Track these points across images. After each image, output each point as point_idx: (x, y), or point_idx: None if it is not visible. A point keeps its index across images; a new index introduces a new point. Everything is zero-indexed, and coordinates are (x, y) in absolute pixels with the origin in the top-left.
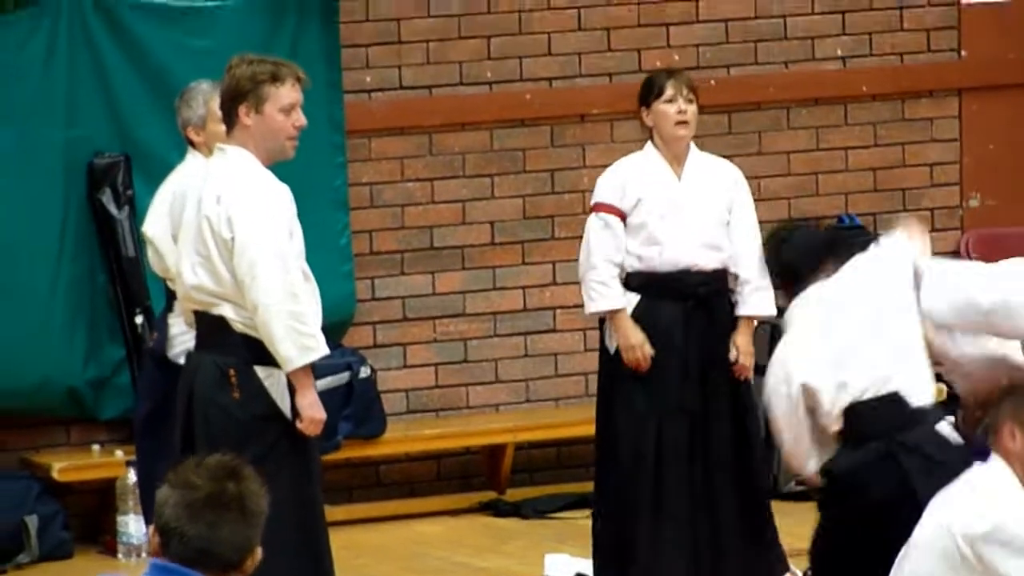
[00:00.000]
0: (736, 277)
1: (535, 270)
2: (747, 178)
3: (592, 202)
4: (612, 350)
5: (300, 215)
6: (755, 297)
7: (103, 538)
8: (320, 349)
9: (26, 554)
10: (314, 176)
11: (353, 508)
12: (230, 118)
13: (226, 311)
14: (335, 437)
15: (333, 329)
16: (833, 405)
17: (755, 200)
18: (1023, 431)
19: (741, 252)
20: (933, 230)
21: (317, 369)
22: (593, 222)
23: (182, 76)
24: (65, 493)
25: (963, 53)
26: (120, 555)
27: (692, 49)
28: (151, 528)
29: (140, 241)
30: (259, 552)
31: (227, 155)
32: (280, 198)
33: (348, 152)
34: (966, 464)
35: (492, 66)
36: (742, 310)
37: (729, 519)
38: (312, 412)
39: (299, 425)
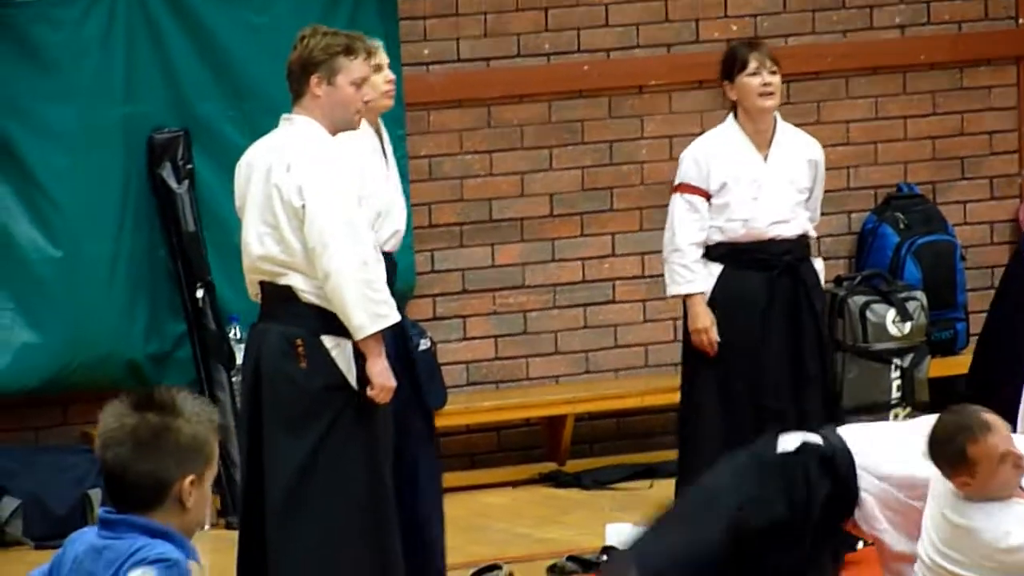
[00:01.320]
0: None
1: (594, 242)
2: None
3: (676, 181)
4: None
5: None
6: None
7: None
8: (392, 316)
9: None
10: None
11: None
12: (300, 87)
13: (294, 281)
14: None
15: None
16: None
17: None
18: None
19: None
20: (992, 198)
21: None
22: (678, 203)
23: (240, 51)
24: None
25: (1021, 21)
26: None
27: (750, 19)
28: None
29: (200, 215)
30: (187, 483)
31: (294, 124)
32: (350, 166)
33: (407, 125)
34: None
35: (550, 38)
36: None
37: None
38: (383, 380)
39: (370, 393)
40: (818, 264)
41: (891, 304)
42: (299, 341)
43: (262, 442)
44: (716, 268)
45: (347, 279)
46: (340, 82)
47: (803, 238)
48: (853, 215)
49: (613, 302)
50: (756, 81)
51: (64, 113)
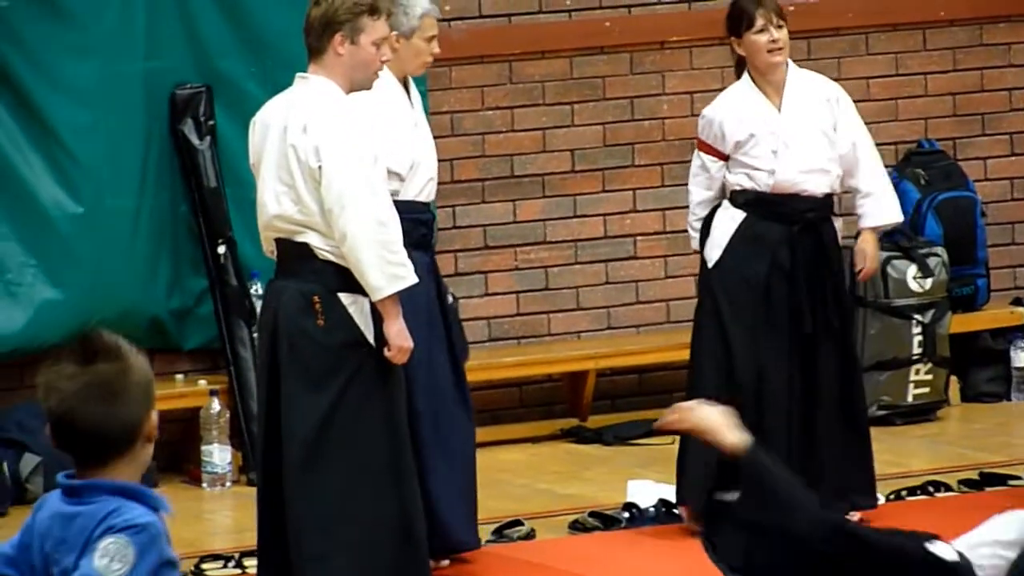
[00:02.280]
0: (854, 189)
1: (615, 197)
2: None
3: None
4: (711, 263)
5: None
6: (879, 206)
7: (187, 467)
8: (409, 278)
9: None
10: None
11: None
12: (321, 44)
13: (311, 239)
14: None
15: None
16: None
17: None
18: None
19: (856, 165)
20: (1012, 154)
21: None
22: (694, 160)
23: (263, 7)
24: None
25: None
26: (205, 484)
27: None
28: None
29: (222, 171)
30: (153, 418)
31: (310, 83)
32: (367, 127)
33: (428, 81)
34: None
35: None
36: (867, 222)
37: (828, 443)
38: (400, 340)
39: (387, 353)
40: (838, 224)
41: (912, 260)
42: (316, 298)
43: (280, 398)
44: (739, 215)
45: (364, 240)
46: (363, 41)
47: (830, 197)
48: None
49: (634, 258)
50: (764, 38)
51: (85, 69)
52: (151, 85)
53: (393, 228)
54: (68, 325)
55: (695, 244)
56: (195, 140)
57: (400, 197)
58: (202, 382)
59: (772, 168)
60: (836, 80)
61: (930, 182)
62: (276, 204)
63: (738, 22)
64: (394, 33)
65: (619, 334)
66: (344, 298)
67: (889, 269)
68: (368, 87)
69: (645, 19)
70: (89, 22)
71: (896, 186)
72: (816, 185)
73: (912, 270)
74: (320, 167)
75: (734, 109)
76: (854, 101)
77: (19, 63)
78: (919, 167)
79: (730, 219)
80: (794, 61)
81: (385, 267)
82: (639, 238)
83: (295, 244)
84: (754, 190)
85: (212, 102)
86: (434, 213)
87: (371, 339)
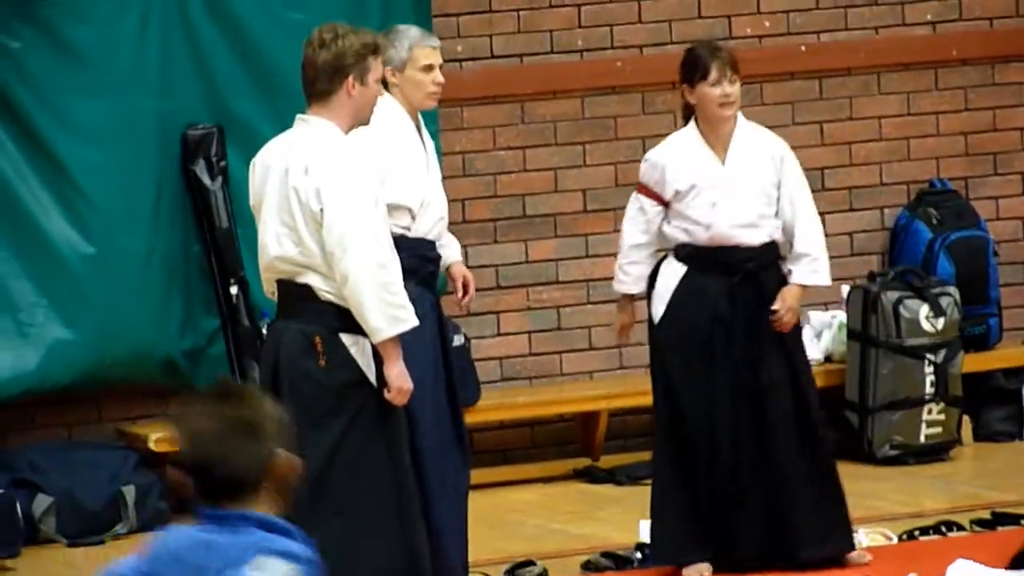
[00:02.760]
0: (790, 248)
1: None
2: (839, 144)
3: (639, 180)
4: (657, 318)
5: None
6: (811, 268)
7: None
8: (410, 320)
9: (123, 524)
10: None
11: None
12: (330, 87)
13: (312, 280)
14: None
15: None
16: None
17: (848, 166)
18: None
19: (796, 225)
20: None
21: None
22: (632, 204)
23: (275, 47)
24: (162, 463)
25: None
26: None
27: (782, 15)
28: (171, 468)
29: (234, 212)
30: (283, 457)
31: (311, 125)
32: (368, 168)
33: (440, 121)
34: None
35: (583, 34)
36: (796, 278)
37: (793, 491)
38: (400, 382)
39: (387, 395)
40: (821, 270)
41: (924, 300)
42: (318, 338)
43: None
44: (681, 268)
45: (365, 283)
46: (370, 81)
47: (770, 245)
48: (886, 211)
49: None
50: (716, 91)
51: (98, 108)
52: (163, 125)
53: (393, 270)
54: (80, 365)
55: (621, 288)
56: (207, 180)
57: (410, 234)
58: None
59: (709, 222)
60: (848, 120)
61: (942, 222)
62: (277, 245)
63: (692, 71)
64: (388, 68)
65: (631, 374)
66: (346, 339)
67: (901, 309)
68: (367, 124)
69: (656, 59)
70: (102, 62)
71: (908, 226)
72: (752, 237)
73: (924, 310)
74: (321, 209)
75: (678, 157)
76: (866, 141)
77: (32, 103)
78: (931, 207)
79: (672, 273)
80: (807, 101)
81: (385, 309)
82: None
83: (296, 285)
84: (693, 244)
85: (224, 142)
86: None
87: (372, 379)
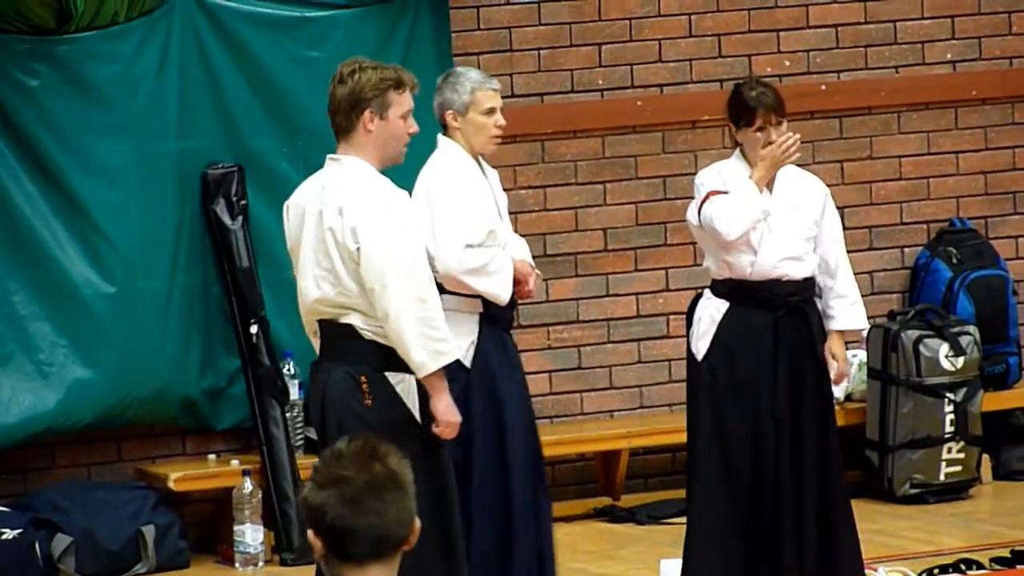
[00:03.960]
0: (827, 288)
1: (648, 276)
2: (859, 183)
3: (704, 191)
4: (700, 356)
5: None
6: (850, 311)
7: (220, 548)
8: (452, 353)
9: (143, 564)
10: None
11: None
12: (349, 123)
13: (354, 320)
14: None
15: None
16: None
17: (868, 204)
18: None
19: (834, 265)
20: None
21: None
22: (714, 200)
23: (294, 86)
24: (181, 503)
25: None
26: (237, 564)
27: (803, 54)
28: (309, 534)
29: (254, 251)
30: (418, 521)
31: (343, 164)
32: (402, 203)
33: None
34: None
35: (603, 73)
36: (836, 324)
37: (812, 528)
38: (447, 416)
39: (435, 429)
40: (858, 312)
41: (944, 338)
42: (363, 378)
43: None
44: (723, 305)
45: (406, 318)
46: (391, 116)
47: (810, 281)
48: (906, 250)
49: (667, 337)
50: (762, 137)
51: (117, 148)
52: (183, 165)
53: (433, 304)
54: (100, 405)
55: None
56: (227, 220)
57: None
58: (235, 462)
59: (756, 250)
60: (868, 159)
61: (962, 261)
62: (316, 288)
63: (738, 115)
64: (449, 111)
65: (652, 413)
66: (392, 377)
67: (921, 347)
68: (399, 160)
69: (677, 98)
70: (121, 102)
71: (928, 264)
72: (796, 271)
73: (944, 349)
74: (358, 248)
75: (731, 177)
76: (886, 180)
77: (51, 143)
78: (951, 246)
79: (715, 309)
80: (827, 140)
81: (427, 344)
82: (671, 317)
83: (339, 325)
84: (736, 279)
85: (244, 182)
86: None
87: (418, 417)
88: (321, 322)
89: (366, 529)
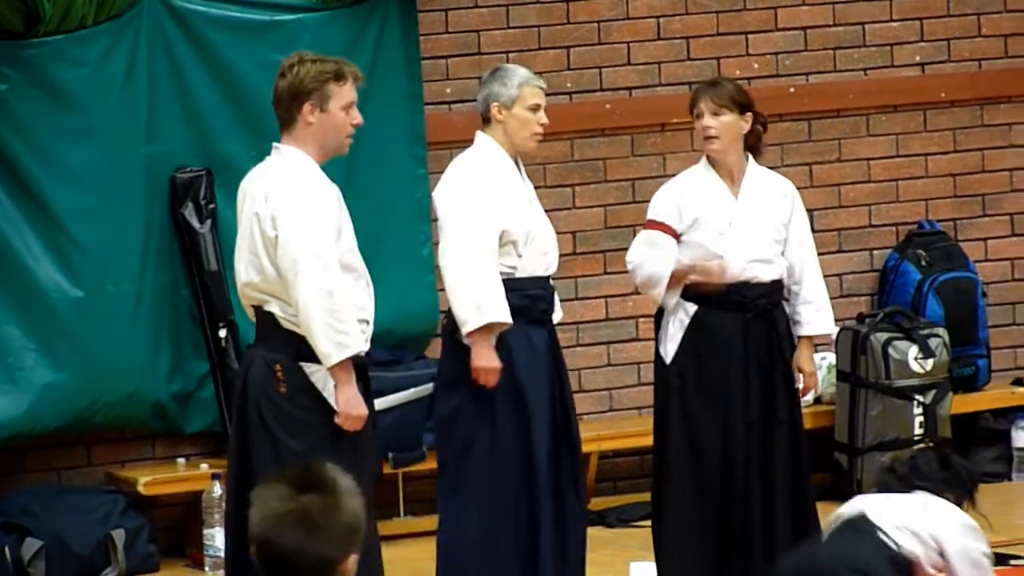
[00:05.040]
0: (794, 293)
1: (617, 279)
2: (828, 185)
3: (647, 217)
4: (668, 359)
5: (382, 226)
6: (817, 317)
7: (189, 551)
8: (354, 346)
9: (113, 568)
10: (396, 188)
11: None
12: (290, 115)
13: (274, 308)
14: (420, 448)
15: (416, 340)
16: None
17: (837, 207)
18: None
19: (800, 270)
20: (1013, 235)
21: (399, 381)
22: (640, 238)
23: (263, 90)
24: (151, 507)
25: None
26: (207, 568)
27: (771, 57)
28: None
29: (223, 255)
30: (351, 561)
31: (282, 155)
32: (325, 197)
33: (429, 164)
34: None
35: (572, 76)
36: (803, 330)
37: (784, 529)
38: (348, 408)
39: (337, 420)
40: (826, 318)
41: (913, 341)
42: (278, 366)
43: (251, 465)
44: (691, 307)
45: (314, 308)
46: (332, 108)
47: (778, 283)
48: (875, 252)
49: (636, 339)
50: (698, 125)
51: (86, 152)
52: (152, 169)
53: (341, 298)
54: (69, 409)
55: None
56: (196, 223)
57: (517, 274)
58: (204, 466)
59: (719, 254)
60: (837, 161)
61: (931, 263)
62: (245, 272)
63: (690, 107)
64: (495, 104)
65: (621, 416)
66: (307, 367)
67: (890, 350)
68: (343, 151)
69: (646, 101)
70: (90, 106)
71: (897, 267)
72: (764, 272)
73: (913, 351)
74: (276, 236)
75: (691, 188)
76: (855, 182)
77: (19, 147)
78: (920, 248)
79: (683, 312)
80: (796, 142)
81: (332, 335)
82: (640, 320)
83: (264, 312)
84: (701, 282)
85: (213, 185)
86: (553, 288)
87: (335, 406)
88: (253, 308)
89: (278, 555)
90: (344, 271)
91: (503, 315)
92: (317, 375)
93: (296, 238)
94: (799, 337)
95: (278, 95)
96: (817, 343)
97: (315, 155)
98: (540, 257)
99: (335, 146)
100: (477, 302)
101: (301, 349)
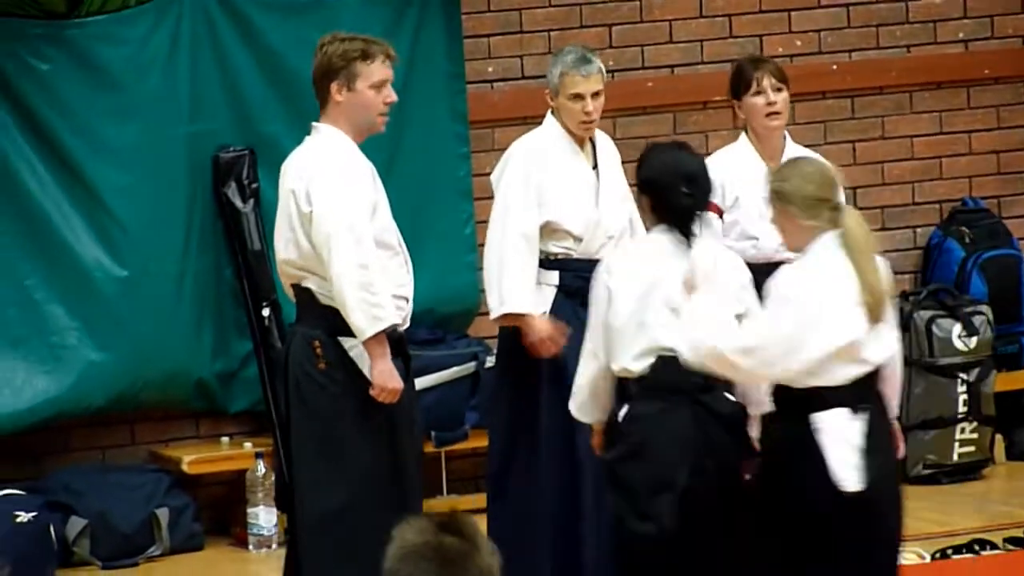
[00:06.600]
0: None
1: None
2: (871, 163)
3: None
4: None
5: (424, 205)
6: None
7: (234, 530)
8: (387, 319)
9: (157, 546)
10: (438, 167)
11: (480, 497)
12: (323, 95)
13: (311, 284)
14: (462, 427)
15: (458, 319)
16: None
17: (880, 185)
18: None
19: None
20: None
21: (441, 360)
22: None
23: (305, 69)
24: (195, 486)
25: None
26: (251, 547)
27: (814, 34)
28: None
29: (266, 234)
30: None
31: (319, 133)
32: (359, 173)
33: (471, 142)
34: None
35: (614, 54)
36: None
37: None
38: (383, 380)
39: (372, 393)
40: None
41: (957, 318)
42: (317, 343)
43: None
44: None
45: (347, 283)
46: (360, 87)
47: None
48: (918, 230)
49: None
50: (761, 101)
51: (128, 131)
52: (194, 148)
53: (374, 272)
54: (113, 388)
55: None
56: (239, 203)
57: (575, 255)
58: (247, 444)
59: (756, 235)
60: (880, 139)
61: (975, 240)
62: (284, 249)
63: (737, 83)
64: (547, 90)
65: None
66: (345, 342)
67: (934, 328)
68: (378, 129)
69: (688, 79)
70: (132, 85)
71: (941, 244)
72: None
73: (957, 329)
74: (311, 211)
75: (732, 166)
76: (899, 160)
77: (62, 127)
78: (963, 225)
79: None
80: (839, 120)
81: (366, 308)
82: None
83: (302, 289)
84: None
85: (255, 165)
86: None
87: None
88: (292, 286)
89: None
90: (380, 248)
91: (522, 306)
92: (355, 350)
93: (330, 213)
94: None
95: (313, 74)
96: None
97: (350, 133)
98: (605, 240)
99: (368, 124)
100: (501, 295)
101: (338, 324)
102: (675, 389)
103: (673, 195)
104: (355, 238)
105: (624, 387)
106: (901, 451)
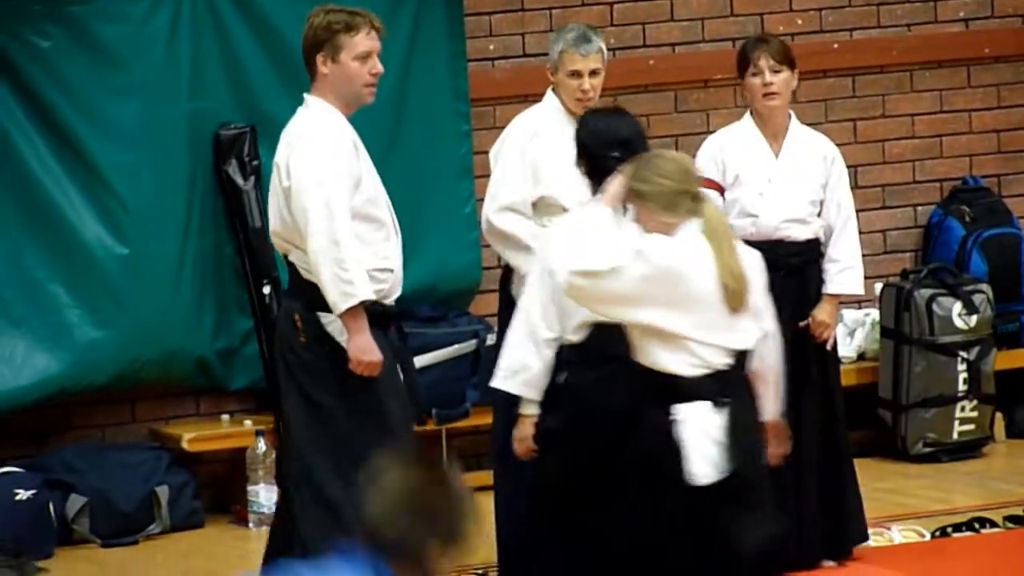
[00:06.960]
0: (829, 256)
1: None
2: (872, 141)
3: None
4: None
5: (425, 183)
6: (843, 276)
7: (234, 508)
8: (359, 295)
9: (157, 524)
10: (439, 145)
11: (481, 475)
12: (310, 67)
13: (294, 257)
14: (463, 404)
15: (459, 297)
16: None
17: (880, 163)
18: None
19: (837, 229)
20: None
21: (443, 337)
22: None
23: None
24: (195, 463)
25: None
26: (251, 524)
27: (815, 13)
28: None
29: (267, 212)
30: (437, 551)
31: (308, 106)
32: (339, 146)
33: (472, 120)
34: None
35: (615, 32)
36: (833, 288)
37: (811, 489)
38: (358, 354)
39: (350, 366)
40: (853, 278)
41: (957, 297)
42: (297, 316)
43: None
44: None
45: (321, 257)
46: (344, 59)
47: (814, 243)
48: (919, 208)
49: None
50: (758, 82)
51: (130, 109)
52: (195, 126)
53: (348, 247)
54: (113, 366)
55: None
56: (240, 181)
57: None
58: (248, 422)
59: (755, 213)
60: (881, 117)
61: (975, 219)
62: (273, 222)
63: (739, 63)
64: (548, 65)
65: None
66: (323, 316)
67: (934, 306)
68: (365, 101)
69: (689, 57)
70: (133, 63)
71: (941, 223)
72: (799, 233)
73: (957, 307)
74: (289, 186)
75: (733, 144)
76: (899, 138)
77: (63, 104)
78: (964, 204)
79: None
80: (840, 98)
81: (338, 284)
82: None
83: (288, 262)
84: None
85: (256, 142)
86: None
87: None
88: (284, 257)
89: (377, 526)
90: (363, 221)
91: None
92: (333, 324)
93: (306, 188)
94: (823, 294)
95: (301, 47)
96: (849, 301)
97: (338, 105)
98: None
99: (354, 96)
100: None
101: (317, 298)
102: (611, 357)
103: (604, 160)
104: (328, 212)
105: (559, 355)
106: (782, 448)
